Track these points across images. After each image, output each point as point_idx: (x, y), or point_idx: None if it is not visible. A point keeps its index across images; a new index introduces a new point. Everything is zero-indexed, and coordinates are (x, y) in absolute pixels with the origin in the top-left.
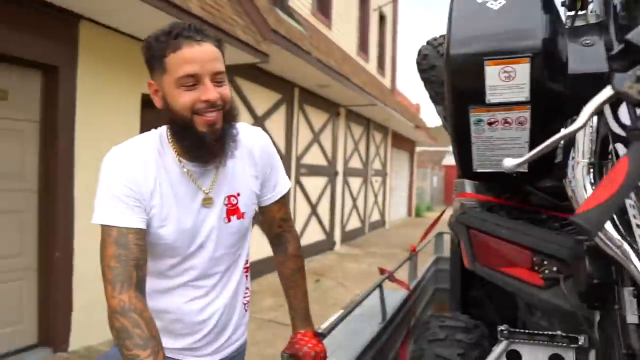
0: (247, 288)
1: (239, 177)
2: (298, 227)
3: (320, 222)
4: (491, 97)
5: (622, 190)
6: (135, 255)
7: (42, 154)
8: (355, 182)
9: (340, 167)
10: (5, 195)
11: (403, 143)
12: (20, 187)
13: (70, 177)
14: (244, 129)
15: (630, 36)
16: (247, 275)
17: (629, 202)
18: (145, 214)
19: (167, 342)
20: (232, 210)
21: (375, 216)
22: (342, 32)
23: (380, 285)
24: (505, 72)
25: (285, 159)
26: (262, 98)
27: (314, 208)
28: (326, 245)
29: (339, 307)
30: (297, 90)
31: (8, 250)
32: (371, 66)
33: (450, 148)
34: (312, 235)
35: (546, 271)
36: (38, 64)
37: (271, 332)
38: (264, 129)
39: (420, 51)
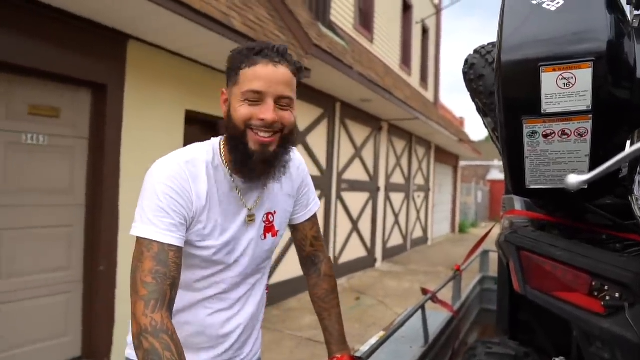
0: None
1: (276, 195)
2: (339, 243)
3: (362, 238)
4: (547, 107)
5: None
6: (172, 274)
7: (89, 169)
8: (397, 198)
9: (382, 183)
10: (55, 210)
11: (446, 157)
12: (69, 202)
13: (116, 192)
14: None
15: None
16: (265, 295)
17: None
18: (186, 232)
19: (187, 357)
20: (268, 228)
21: (418, 233)
22: (384, 46)
23: (422, 307)
24: (563, 78)
25: (327, 174)
26: (303, 113)
27: (355, 224)
28: (367, 262)
29: (379, 327)
30: (339, 104)
31: (57, 264)
32: (414, 79)
33: (495, 162)
34: (353, 251)
35: (607, 297)
36: (88, 82)
37: (310, 351)
38: (306, 145)
39: (467, 60)
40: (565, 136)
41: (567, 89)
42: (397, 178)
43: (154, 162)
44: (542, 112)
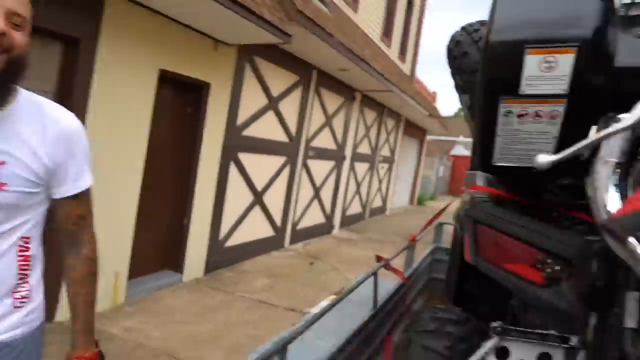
0: (22, 278)
1: (12, 141)
2: (299, 209)
3: (322, 206)
4: (526, 88)
5: None
6: None
7: None
8: (361, 168)
9: (348, 152)
10: None
11: (415, 131)
12: None
13: None
14: (51, 105)
15: None
16: (24, 264)
17: None
18: None
19: None
20: None
21: (377, 202)
22: (368, 16)
23: (375, 273)
24: (546, 62)
25: (295, 141)
26: (279, 79)
27: (317, 191)
28: (325, 228)
29: (329, 292)
30: (316, 72)
31: None
32: (393, 51)
33: (461, 138)
34: (312, 218)
35: (548, 270)
36: (59, 35)
37: (261, 313)
38: (277, 111)
39: (453, 37)
40: (538, 117)
41: (548, 73)
42: (364, 148)
43: (123, 119)
44: (520, 93)
